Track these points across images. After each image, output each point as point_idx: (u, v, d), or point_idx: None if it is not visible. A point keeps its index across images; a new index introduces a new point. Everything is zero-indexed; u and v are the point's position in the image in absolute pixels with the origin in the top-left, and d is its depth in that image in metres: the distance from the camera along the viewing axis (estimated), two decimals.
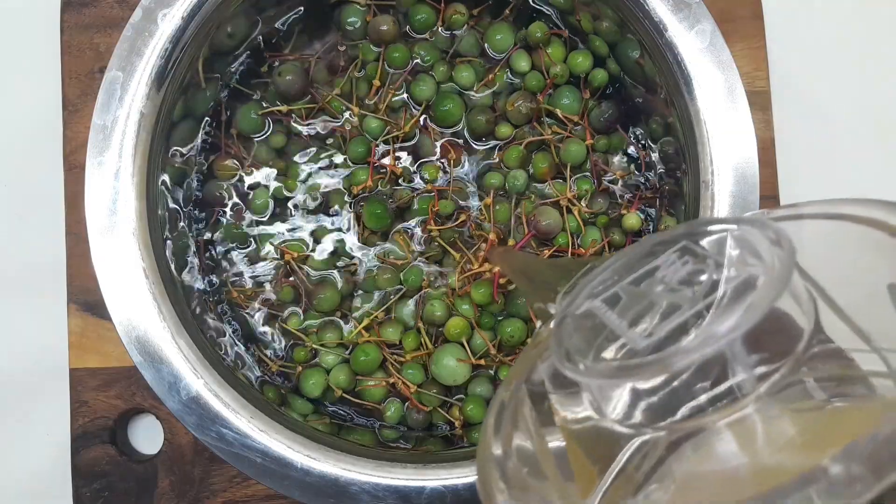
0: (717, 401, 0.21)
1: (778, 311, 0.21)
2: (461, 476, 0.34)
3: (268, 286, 0.42)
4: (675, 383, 0.21)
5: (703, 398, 0.21)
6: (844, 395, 0.22)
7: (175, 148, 0.40)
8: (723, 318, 0.20)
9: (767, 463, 0.20)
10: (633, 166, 0.42)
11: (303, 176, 0.42)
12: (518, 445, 0.23)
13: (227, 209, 0.42)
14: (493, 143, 0.43)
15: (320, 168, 0.42)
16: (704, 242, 0.24)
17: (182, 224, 0.41)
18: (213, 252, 0.42)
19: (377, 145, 0.42)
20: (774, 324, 0.21)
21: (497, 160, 0.42)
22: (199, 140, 0.42)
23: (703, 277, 0.22)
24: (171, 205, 0.39)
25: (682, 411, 0.21)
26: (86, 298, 0.42)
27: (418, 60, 0.43)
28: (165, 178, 0.39)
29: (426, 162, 0.42)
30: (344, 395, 0.41)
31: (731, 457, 0.20)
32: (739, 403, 0.20)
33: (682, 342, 0.20)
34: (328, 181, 0.42)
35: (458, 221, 0.41)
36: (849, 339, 0.22)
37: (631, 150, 0.42)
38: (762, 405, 0.20)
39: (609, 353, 0.22)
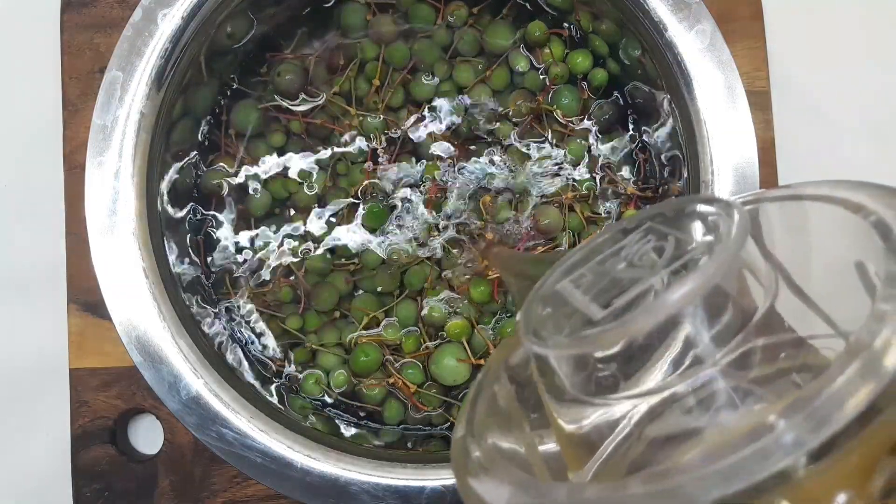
0: (682, 369, 0.21)
1: (740, 288, 0.22)
2: None
3: (266, 286, 0.42)
4: (645, 354, 0.22)
5: (669, 367, 0.22)
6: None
7: (175, 147, 0.40)
8: (676, 286, 0.20)
9: (725, 424, 0.21)
10: (632, 165, 0.42)
11: (302, 175, 0.42)
12: (498, 428, 0.24)
13: (226, 208, 0.42)
14: (493, 141, 0.43)
15: (319, 167, 0.42)
16: (669, 221, 0.24)
17: (181, 224, 0.41)
18: (211, 251, 0.42)
19: (376, 145, 0.42)
20: (737, 301, 0.22)
21: (497, 159, 0.42)
22: (198, 139, 0.42)
23: (664, 253, 0.23)
24: (171, 204, 0.39)
25: (651, 379, 0.22)
26: (86, 298, 0.42)
27: (417, 59, 0.43)
28: (165, 177, 0.39)
29: (425, 160, 0.42)
30: (343, 396, 0.41)
31: (698, 423, 0.21)
32: (701, 369, 0.21)
33: (636, 310, 0.21)
34: (327, 181, 0.42)
35: (459, 221, 0.42)
36: (818, 326, 0.22)
37: (631, 149, 0.42)
38: (725, 373, 0.21)
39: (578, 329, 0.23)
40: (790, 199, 0.25)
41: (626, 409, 0.22)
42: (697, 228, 0.23)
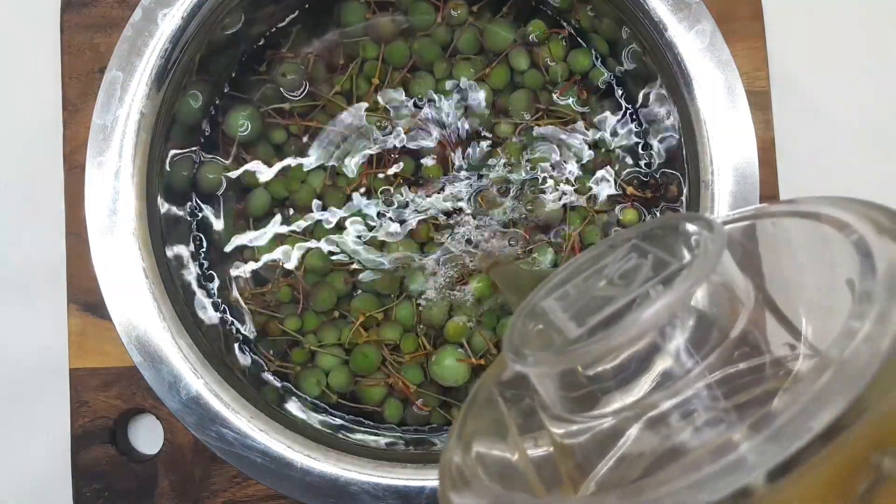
0: (660, 387, 0.21)
1: (723, 305, 0.22)
2: None
3: (265, 286, 0.42)
4: (630, 372, 0.22)
5: (650, 385, 0.22)
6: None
7: (174, 147, 0.40)
8: (646, 305, 0.21)
9: (698, 442, 0.21)
10: (632, 165, 0.42)
11: (301, 175, 0.42)
12: (486, 443, 0.24)
13: (225, 208, 0.42)
14: (493, 140, 0.43)
15: (318, 167, 0.42)
16: (655, 239, 0.25)
17: (181, 223, 0.41)
18: (211, 252, 0.42)
19: (375, 144, 0.42)
20: (718, 319, 0.22)
21: (497, 157, 0.42)
22: (198, 139, 0.42)
23: (642, 271, 0.23)
24: (171, 204, 0.39)
25: (631, 397, 0.22)
26: (86, 298, 0.42)
27: (417, 58, 0.43)
28: (164, 177, 0.39)
29: (425, 159, 0.42)
30: (342, 397, 0.40)
31: (677, 441, 0.21)
32: (676, 386, 0.21)
33: (609, 329, 0.21)
34: (326, 180, 0.42)
35: (456, 221, 0.42)
36: (803, 345, 0.22)
37: (631, 148, 0.42)
38: (700, 391, 0.21)
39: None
40: (787, 216, 0.25)
41: (615, 428, 0.22)
42: (682, 246, 0.24)
